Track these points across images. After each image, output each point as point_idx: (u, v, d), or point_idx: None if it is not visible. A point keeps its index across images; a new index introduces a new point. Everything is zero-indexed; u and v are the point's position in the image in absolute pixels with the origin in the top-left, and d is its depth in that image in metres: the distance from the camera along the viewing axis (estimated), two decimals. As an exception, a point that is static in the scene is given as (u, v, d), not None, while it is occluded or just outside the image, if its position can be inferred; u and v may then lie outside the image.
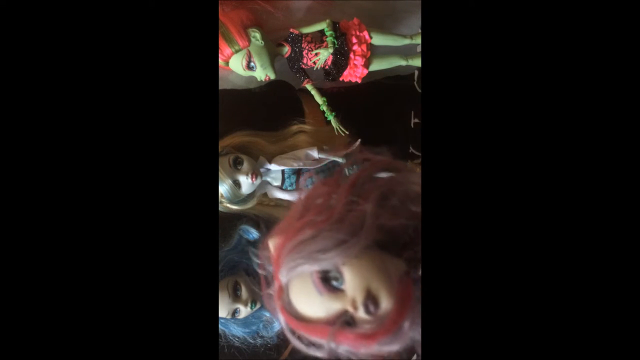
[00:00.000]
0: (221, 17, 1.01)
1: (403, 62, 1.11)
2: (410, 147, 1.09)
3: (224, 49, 1.01)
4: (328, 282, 0.52)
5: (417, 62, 1.12)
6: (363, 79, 1.10)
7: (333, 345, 0.52)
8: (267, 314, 1.14)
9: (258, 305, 1.09)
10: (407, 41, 1.12)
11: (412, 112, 1.10)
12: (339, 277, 0.52)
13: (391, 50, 1.12)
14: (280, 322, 0.57)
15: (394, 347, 0.52)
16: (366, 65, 1.08)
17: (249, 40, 1.01)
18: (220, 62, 1.04)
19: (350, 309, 0.51)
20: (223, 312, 1.03)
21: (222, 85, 1.12)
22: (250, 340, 1.11)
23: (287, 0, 1.14)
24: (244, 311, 1.05)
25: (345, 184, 0.57)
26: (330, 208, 0.56)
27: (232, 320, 1.07)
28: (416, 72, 1.14)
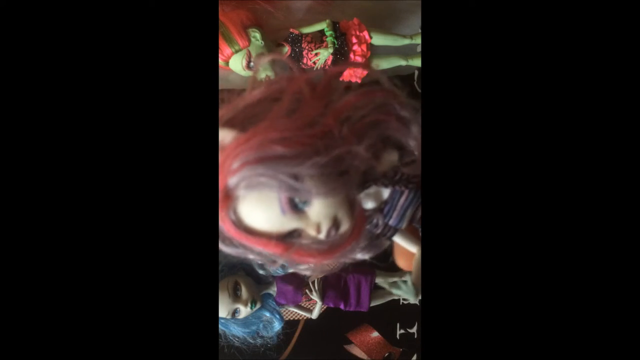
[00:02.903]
0: (221, 17, 1.01)
1: (403, 62, 1.11)
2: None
3: (224, 49, 1.01)
4: (294, 203, 0.52)
5: (417, 62, 1.12)
6: (363, 79, 1.11)
7: (284, 260, 0.55)
8: (267, 314, 1.14)
9: (258, 305, 1.09)
10: (407, 41, 1.12)
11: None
12: (307, 203, 0.52)
13: (391, 50, 1.12)
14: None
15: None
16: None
17: (249, 40, 1.01)
18: (220, 62, 1.04)
19: (312, 231, 0.53)
20: (223, 312, 1.03)
21: (222, 85, 1.12)
22: (250, 340, 1.11)
23: (287, 0, 1.14)
24: (244, 311, 1.05)
25: (335, 106, 0.53)
26: (312, 126, 0.51)
27: (232, 320, 1.07)
28: (416, 72, 1.14)
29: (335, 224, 0.53)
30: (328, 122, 0.51)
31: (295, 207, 0.52)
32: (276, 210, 0.51)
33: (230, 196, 0.51)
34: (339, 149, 0.50)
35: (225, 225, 0.53)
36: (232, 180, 0.50)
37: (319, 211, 0.52)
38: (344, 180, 0.51)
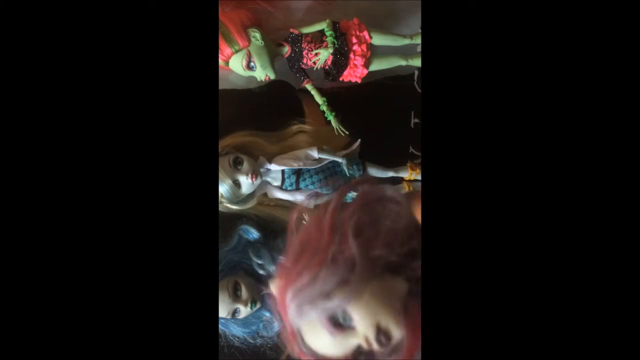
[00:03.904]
0: (221, 17, 1.01)
1: (403, 62, 1.11)
2: (410, 147, 1.09)
3: (224, 49, 1.01)
4: (337, 323, 0.53)
5: (417, 62, 1.12)
6: (363, 79, 1.10)
7: None
8: (267, 314, 1.14)
9: (258, 305, 1.09)
10: (407, 41, 1.12)
11: (412, 112, 1.11)
12: (347, 317, 0.53)
13: (391, 50, 1.12)
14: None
15: None
16: (366, 65, 1.08)
17: (249, 40, 1.01)
18: (220, 62, 1.04)
19: (364, 344, 0.53)
20: (223, 312, 1.03)
21: (222, 85, 1.12)
22: (250, 340, 1.11)
23: (287, 0, 1.14)
24: (244, 311, 1.05)
25: (326, 221, 0.57)
26: (322, 248, 0.55)
27: (232, 320, 1.07)
28: (416, 72, 1.14)
29: (381, 331, 0.52)
30: (326, 237, 0.55)
31: (340, 326, 0.53)
32: (327, 334, 0.53)
33: (294, 333, 0.56)
34: (331, 245, 0.54)
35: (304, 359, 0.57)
36: (290, 319, 0.55)
37: (360, 322, 0.52)
38: (357, 275, 0.52)
